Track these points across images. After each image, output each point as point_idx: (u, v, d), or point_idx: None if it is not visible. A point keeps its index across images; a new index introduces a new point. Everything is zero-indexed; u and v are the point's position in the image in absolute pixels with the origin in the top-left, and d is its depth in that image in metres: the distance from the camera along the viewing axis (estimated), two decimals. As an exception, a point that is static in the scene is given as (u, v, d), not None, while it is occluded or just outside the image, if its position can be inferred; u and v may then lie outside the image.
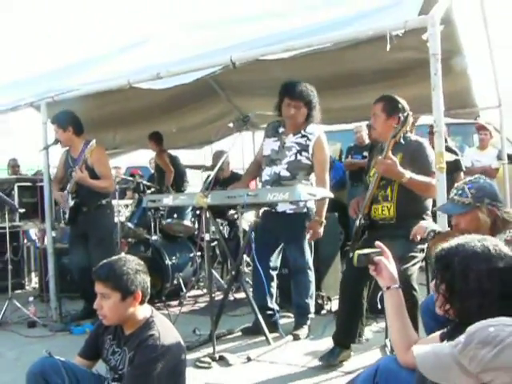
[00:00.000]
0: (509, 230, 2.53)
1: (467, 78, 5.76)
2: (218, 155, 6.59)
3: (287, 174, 4.65)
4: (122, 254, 2.92)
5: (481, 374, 1.32)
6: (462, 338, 1.41)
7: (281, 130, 4.80)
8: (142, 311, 2.77)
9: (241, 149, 7.97)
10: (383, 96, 4.13)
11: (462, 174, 6.69)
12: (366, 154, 7.81)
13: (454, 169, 6.16)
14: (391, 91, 5.60)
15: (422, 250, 3.83)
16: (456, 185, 2.92)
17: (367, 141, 8.13)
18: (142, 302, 2.75)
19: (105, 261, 2.83)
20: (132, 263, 2.75)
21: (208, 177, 4.32)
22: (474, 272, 1.89)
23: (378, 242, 2.45)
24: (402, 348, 2.35)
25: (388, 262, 2.40)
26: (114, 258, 2.82)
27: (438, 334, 2.21)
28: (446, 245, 2.05)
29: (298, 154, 4.65)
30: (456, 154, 6.87)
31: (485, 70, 6.00)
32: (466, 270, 1.90)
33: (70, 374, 2.70)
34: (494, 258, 1.91)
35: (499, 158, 6.78)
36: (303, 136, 4.67)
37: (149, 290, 2.79)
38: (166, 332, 2.72)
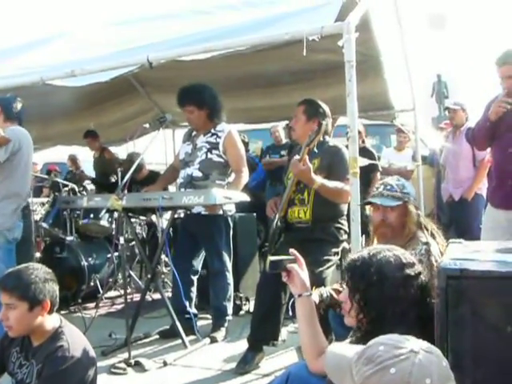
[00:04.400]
0: (416, 251, 2.62)
1: (384, 81, 5.90)
2: (131, 156, 6.49)
3: (199, 174, 4.64)
4: (30, 263, 2.79)
5: None
6: (362, 348, 1.45)
7: (194, 133, 4.88)
8: (51, 321, 2.67)
9: (162, 146, 7.93)
10: (305, 99, 4.20)
11: (378, 174, 6.86)
12: (283, 152, 7.90)
13: (370, 170, 6.30)
14: (311, 92, 5.72)
15: (337, 254, 3.91)
16: (382, 182, 3.00)
17: (284, 140, 8.23)
18: (50, 312, 2.65)
19: (10, 269, 2.72)
20: (40, 271, 2.66)
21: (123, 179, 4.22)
22: (389, 280, 1.95)
23: (292, 250, 2.47)
24: (312, 355, 2.37)
25: (301, 270, 2.42)
26: (20, 266, 2.72)
27: (347, 341, 2.24)
28: (356, 255, 2.08)
29: (209, 153, 4.67)
30: (373, 153, 7.04)
31: (401, 74, 6.16)
32: (382, 279, 1.96)
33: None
34: (406, 266, 1.99)
35: (414, 159, 6.99)
36: (213, 134, 4.71)
37: (57, 299, 2.70)
38: (76, 342, 2.63)
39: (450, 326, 1.82)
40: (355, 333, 2.16)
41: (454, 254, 2.10)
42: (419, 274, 2.01)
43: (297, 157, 3.78)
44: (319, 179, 3.75)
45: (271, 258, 2.44)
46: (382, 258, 1.99)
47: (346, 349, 1.59)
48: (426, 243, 2.67)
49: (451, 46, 23.16)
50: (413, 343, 1.37)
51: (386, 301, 1.93)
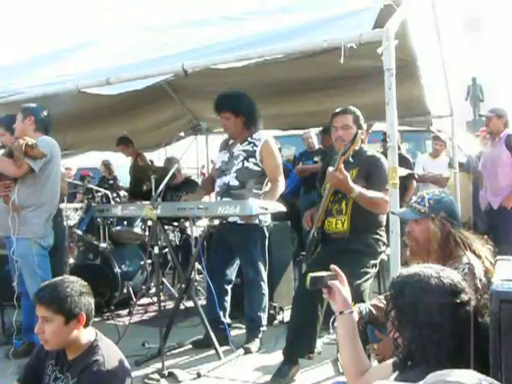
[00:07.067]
0: (462, 268, 2.50)
1: (421, 86, 5.78)
2: (170, 161, 6.48)
3: (236, 183, 4.59)
4: (66, 276, 2.78)
5: None
6: None
7: (230, 142, 4.81)
8: (86, 335, 2.64)
9: (194, 152, 7.91)
10: (349, 108, 4.05)
11: (414, 182, 6.75)
12: (316, 159, 7.84)
13: (406, 177, 6.18)
14: (345, 98, 5.65)
15: (375, 266, 3.82)
16: (418, 194, 2.91)
17: (317, 146, 8.17)
18: (86, 325, 2.63)
19: (46, 282, 2.71)
20: (76, 285, 2.64)
21: (158, 187, 4.19)
22: (424, 305, 1.86)
23: (333, 266, 2.40)
24: (354, 374, 2.31)
25: (342, 287, 2.35)
26: (56, 279, 2.70)
27: (390, 361, 2.17)
28: (403, 271, 2.00)
29: (245, 161, 4.60)
30: (409, 160, 6.93)
31: (438, 80, 6.05)
32: (417, 302, 1.87)
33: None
34: (447, 293, 1.87)
35: (450, 165, 6.85)
36: (250, 143, 4.65)
37: (93, 313, 2.68)
38: (111, 356, 2.61)
39: (504, 354, 1.72)
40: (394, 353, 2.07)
41: (504, 274, 1.99)
42: (464, 303, 1.87)
43: (332, 168, 3.70)
44: (358, 188, 3.68)
45: (311, 274, 2.37)
46: (422, 279, 1.89)
47: None
48: (468, 263, 2.55)
49: (486, 48, 22.75)
50: (477, 376, 1.29)
51: (420, 325, 1.84)
